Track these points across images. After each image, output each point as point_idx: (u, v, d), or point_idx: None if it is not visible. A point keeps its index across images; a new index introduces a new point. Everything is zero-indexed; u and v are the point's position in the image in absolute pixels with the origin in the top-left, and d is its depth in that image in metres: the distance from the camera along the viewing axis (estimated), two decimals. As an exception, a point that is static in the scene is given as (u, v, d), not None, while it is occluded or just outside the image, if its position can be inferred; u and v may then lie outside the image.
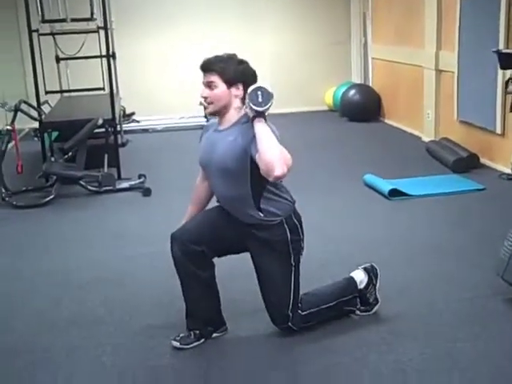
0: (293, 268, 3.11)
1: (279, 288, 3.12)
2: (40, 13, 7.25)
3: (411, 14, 8.11)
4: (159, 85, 9.86)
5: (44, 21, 7.33)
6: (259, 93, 2.77)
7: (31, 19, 6.38)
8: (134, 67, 9.57)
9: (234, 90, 2.97)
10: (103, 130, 6.40)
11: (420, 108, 7.89)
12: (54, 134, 6.91)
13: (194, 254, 3.05)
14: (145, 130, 9.29)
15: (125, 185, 6.19)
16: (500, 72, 5.93)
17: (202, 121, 8.65)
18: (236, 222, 3.09)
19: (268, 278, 3.13)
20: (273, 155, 2.71)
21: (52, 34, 7.53)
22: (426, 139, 7.59)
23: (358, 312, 3.41)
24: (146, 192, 6.01)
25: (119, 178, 6.45)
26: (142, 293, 3.86)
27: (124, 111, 9.11)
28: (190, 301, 3.19)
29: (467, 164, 6.33)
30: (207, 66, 2.97)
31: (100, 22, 7.14)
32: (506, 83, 5.90)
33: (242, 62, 3.01)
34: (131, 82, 9.26)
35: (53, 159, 6.25)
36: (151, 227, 5.05)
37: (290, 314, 3.14)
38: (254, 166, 2.84)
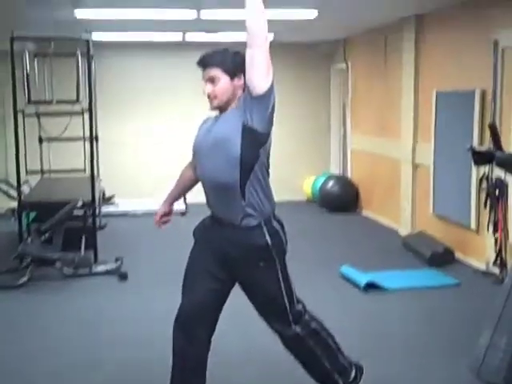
0: (279, 273, 3.04)
1: (273, 301, 3.08)
2: (26, 94, 7.36)
3: (389, 106, 8.35)
4: (139, 169, 9.98)
5: (30, 102, 7.44)
6: None
7: (17, 99, 6.47)
8: (115, 150, 9.69)
9: (236, 81, 2.97)
10: (82, 211, 6.40)
11: (397, 201, 8.02)
12: (32, 215, 6.89)
13: (197, 336, 3.04)
14: (124, 214, 9.29)
15: (101, 268, 6.14)
16: (474, 168, 6.08)
17: (182, 207, 8.70)
18: (218, 238, 3.02)
19: (259, 297, 3.10)
20: (257, 22, 2.79)
21: (37, 115, 7.62)
22: (402, 232, 7.67)
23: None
24: (123, 276, 5.96)
25: (96, 261, 6.41)
26: (114, 378, 3.77)
27: (104, 194, 9.14)
28: (178, 377, 3.11)
29: (443, 258, 6.39)
30: (207, 61, 2.97)
31: (85, 105, 7.26)
32: (480, 180, 6.05)
33: (238, 53, 3.01)
34: (112, 164, 9.36)
35: (29, 240, 6.21)
36: (125, 313, 4.99)
37: (290, 316, 3.10)
38: (245, 143, 2.85)
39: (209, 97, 2.98)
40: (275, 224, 3.04)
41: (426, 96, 7.19)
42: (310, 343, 3.18)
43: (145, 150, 10.09)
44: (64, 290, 5.71)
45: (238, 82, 2.97)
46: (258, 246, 2.98)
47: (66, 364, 4.04)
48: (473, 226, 6.30)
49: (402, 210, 7.88)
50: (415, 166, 7.55)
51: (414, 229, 7.52)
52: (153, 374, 3.66)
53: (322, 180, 9.63)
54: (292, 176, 10.23)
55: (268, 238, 2.98)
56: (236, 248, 2.99)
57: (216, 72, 2.94)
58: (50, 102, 7.55)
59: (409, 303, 5.25)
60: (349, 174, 9.89)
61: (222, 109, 3.00)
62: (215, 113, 3.09)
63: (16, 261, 6.22)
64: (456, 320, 4.84)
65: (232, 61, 2.97)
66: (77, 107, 7.67)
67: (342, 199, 9.27)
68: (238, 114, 2.91)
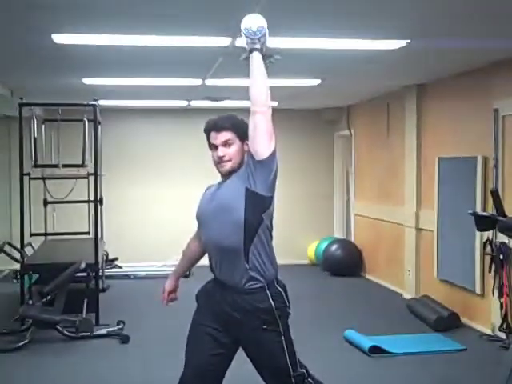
0: (283, 336, 3.00)
1: (275, 363, 3.03)
2: (33, 157, 7.45)
3: (392, 174, 8.42)
4: (142, 232, 10.00)
5: (37, 165, 7.52)
6: (252, 23, 2.85)
7: (24, 163, 6.55)
8: (119, 213, 9.74)
9: (244, 146, 3.01)
10: (85, 274, 6.38)
11: (401, 265, 7.99)
12: (35, 277, 6.87)
13: None
14: (126, 276, 9.26)
15: (102, 331, 6.08)
16: (478, 233, 6.08)
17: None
18: (221, 302, 3.00)
19: (261, 357, 3.04)
20: (261, 88, 2.88)
21: (43, 178, 7.69)
22: (406, 296, 7.62)
23: None
24: (124, 339, 5.90)
25: (97, 323, 6.36)
26: None
27: (107, 256, 9.13)
28: None
29: (448, 323, 6.32)
30: (222, 124, 3.01)
31: (90, 169, 7.33)
32: (484, 244, 6.05)
33: (243, 119, 3.07)
34: (115, 227, 9.38)
35: (30, 302, 6.16)
36: (126, 378, 4.92)
37: (293, 380, 3.04)
38: (249, 206, 2.87)
39: (221, 160, 3.01)
40: (278, 287, 3.04)
41: (429, 162, 7.26)
42: None
43: (148, 214, 10.14)
44: (65, 352, 5.65)
45: (246, 146, 3.01)
46: (262, 309, 2.96)
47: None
48: (478, 290, 6.26)
49: (405, 274, 7.84)
50: (419, 231, 7.56)
51: (418, 293, 7.47)
52: None
53: (325, 243, 9.62)
54: (295, 240, 10.24)
55: (271, 301, 2.97)
56: (239, 311, 2.97)
57: (230, 136, 3.00)
58: (56, 166, 7.63)
59: (414, 368, 5.17)
60: (352, 239, 9.88)
61: (231, 174, 3.03)
62: (217, 180, 3.14)
63: (17, 323, 6.18)
64: (462, 386, 4.76)
65: (242, 126, 3.03)
66: (82, 171, 7.75)
67: (345, 263, 9.24)
68: (241, 179, 2.95)
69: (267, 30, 2.91)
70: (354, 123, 9.84)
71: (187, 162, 10.02)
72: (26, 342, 5.71)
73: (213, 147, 3.04)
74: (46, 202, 8.12)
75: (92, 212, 7.15)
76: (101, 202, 7.83)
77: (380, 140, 8.76)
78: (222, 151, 2.99)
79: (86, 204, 7.89)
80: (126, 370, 5.13)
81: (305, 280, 9.02)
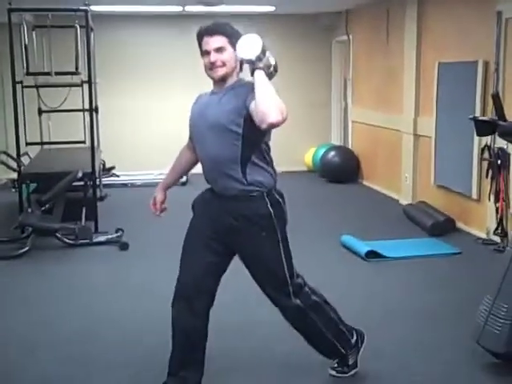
0: (280, 244, 3.04)
1: (274, 271, 3.06)
2: (25, 65, 7.31)
3: (391, 80, 8.29)
4: (139, 140, 9.95)
5: (28, 73, 7.39)
6: (247, 42, 2.79)
7: (16, 71, 6.42)
8: (115, 121, 9.65)
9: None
10: (82, 183, 6.39)
11: (398, 171, 8.00)
12: (33, 186, 6.88)
13: (196, 308, 3.04)
14: (124, 185, 9.28)
15: (102, 238, 6.15)
16: (476, 138, 6.06)
17: (182, 177, 8.68)
18: (217, 214, 3.01)
19: (260, 267, 3.07)
20: (269, 103, 2.69)
21: (36, 86, 7.56)
22: (403, 202, 7.67)
23: (333, 372, 3.38)
24: (123, 246, 5.96)
25: (96, 231, 6.42)
26: (111, 352, 3.78)
27: (104, 165, 9.12)
28: (179, 351, 3.11)
29: (444, 228, 6.39)
30: (215, 29, 2.94)
31: (84, 76, 7.21)
32: (482, 150, 6.04)
33: (234, 27, 3.01)
34: (112, 135, 9.33)
35: (30, 210, 6.20)
36: (126, 283, 5.00)
37: (290, 288, 3.09)
38: (248, 123, 2.83)
39: (214, 65, 2.93)
40: (276, 195, 3.04)
41: (429, 68, 7.13)
42: (311, 316, 3.18)
43: (144, 121, 10.05)
44: (65, 259, 5.72)
45: None
46: (260, 215, 2.97)
47: (66, 332, 4.06)
48: (474, 195, 6.29)
49: (403, 180, 7.87)
50: (417, 137, 7.52)
51: (414, 199, 7.52)
52: (152, 344, 3.66)
53: (323, 150, 9.60)
54: (293, 147, 10.21)
55: (270, 207, 2.98)
56: (237, 217, 2.97)
57: (223, 42, 2.92)
58: (48, 74, 7.50)
59: (410, 271, 5.26)
60: (350, 145, 9.85)
61: (223, 81, 2.97)
62: (206, 89, 3.08)
63: (17, 231, 6.24)
64: (457, 288, 4.85)
65: (235, 32, 2.96)
66: (76, 79, 7.62)
67: (342, 169, 9.25)
68: (240, 97, 2.88)
69: (265, 50, 2.79)
70: (353, 28, 9.60)
71: (181, 69, 9.83)
72: (26, 249, 5.77)
73: (205, 53, 2.96)
74: (40, 111, 8.03)
75: (87, 121, 7.09)
76: (96, 110, 7.75)
77: (379, 45, 8.57)
78: (214, 56, 2.92)
79: (81, 113, 7.81)
80: (125, 276, 5.22)
81: (302, 187, 9.07)
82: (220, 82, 2.98)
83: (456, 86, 6.54)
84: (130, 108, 9.95)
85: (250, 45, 2.78)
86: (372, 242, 5.84)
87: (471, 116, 5.48)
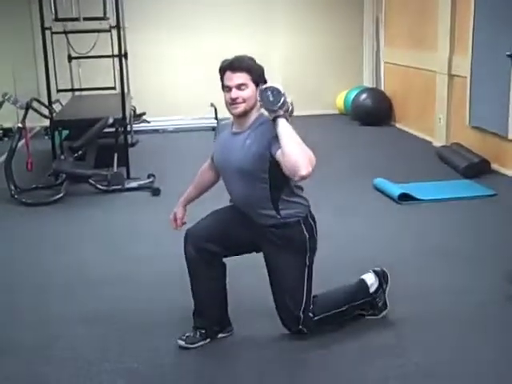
0: (306, 268, 3.09)
1: (293, 289, 3.10)
2: (53, 11, 7.27)
3: (424, 18, 8.07)
4: (170, 85, 9.86)
5: (57, 19, 7.35)
6: (269, 93, 2.78)
7: (44, 17, 6.39)
8: (146, 67, 9.57)
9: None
10: (113, 129, 6.40)
11: (431, 113, 7.85)
12: (65, 133, 6.92)
13: (208, 252, 3.07)
14: (155, 131, 9.28)
15: (134, 184, 6.18)
16: (513, 77, 5.90)
17: (213, 122, 8.65)
18: (251, 222, 3.08)
19: (282, 279, 3.10)
20: (298, 155, 2.71)
21: (65, 32, 7.54)
22: (436, 144, 7.55)
23: (365, 315, 3.39)
24: (155, 192, 6.00)
25: (128, 177, 6.45)
26: (146, 292, 3.85)
27: (134, 111, 9.11)
28: (198, 299, 3.18)
29: (478, 169, 6.29)
30: (238, 65, 2.93)
31: (113, 22, 7.15)
32: (519, 88, 5.88)
33: (258, 63, 3.01)
34: (142, 81, 9.27)
35: (63, 157, 6.25)
36: (159, 228, 5.02)
37: (302, 316, 3.12)
38: (274, 167, 2.86)
39: (234, 102, 2.92)
40: (311, 221, 3.09)
41: (464, 3, 6.90)
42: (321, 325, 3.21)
43: (175, 67, 9.94)
44: (98, 205, 5.78)
45: None
46: (295, 239, 3.04)
47: (99, 276, 4.12)
48: (510, 135, 6.15)
49: (436, 121, 7.72)
50: (451, 77, 7.35)
51: (448, 141, 7.39)
52: (178, 290, 3.68)
53: (354, 93, 9.45)
54: (325, 90, 10.05)
55: (305, 232, 3.05)
56: (274, 235, 3.04)
57: (245, 78, 2.92)
58: (77, 19, 7.46)
59: (444, 214, 5.21)
60: (382, 87, 9.67)
61: (243, 118, 2.97)
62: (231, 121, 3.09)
63: (51, 178, 6.31)
64: (493, 230, 4.80)
65: (259, 69, 2.97)
66: (104, 24, 7.57)
67: (375, 112, 9.08)
68: (263, 138, 2.89)
69: (284, 97, 2.77)
70: (385, -35, 9.33)
71: (215, 13, 9.68)
72: (61, 195, 5.83)
73: (226, 88, 2.95)
74: (70, 58, 8.03)
75: (117, 67, 7.05)
76: (125, 56, 7.71)
77: (412, -18, 8.32)
78: (235, 93, 2.91)
79: (110, 59, 7.78)
80: (158, 221, 5.21)
81: (333, 130, 8.97)
82: (240, 117, 2.98)
83: (493, 22, 6.32)
84: (160, 53, 9.82)
85: (272, 94, 2.78)
86: (405, 185, 5.78)
87: (509, 53, 5.33)
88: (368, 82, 10.28)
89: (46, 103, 6.52)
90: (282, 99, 2.77)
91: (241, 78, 2.92)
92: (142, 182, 6.21)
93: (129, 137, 7.36)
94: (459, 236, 4.70)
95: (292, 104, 2.86)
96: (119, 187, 6.08)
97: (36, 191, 6.07)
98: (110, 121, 6.19)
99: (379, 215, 5.27)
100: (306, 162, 2.69)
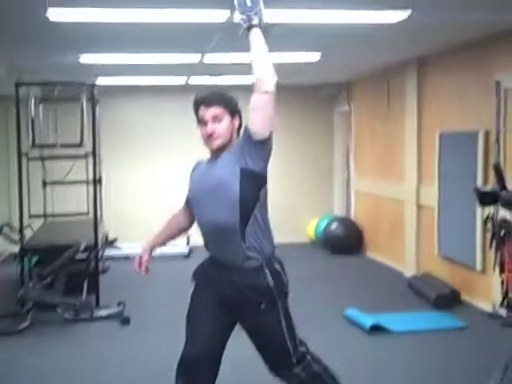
0: (282, 316, 2.99)
1: (274, 344, 3.02)
2: (31, 137, 7.39)
3: (392, 150, 8.36)
4: (142, 212, 9.95)
5: (34, 145, 7.47)
6: None
7: (21, 143, 6.49)
8: (118, 193, 9.69)
9: (234, 121, 2.98)
10: (84, 255, 6.35)
11: (401, 242, 7.96)
12: (35, 259, 6.84)
13: (200, 382, 3.01)
14: (126, 257, 9.22)
15: (103, 313, 6.07)
16: (479, 209, 6.05)
17: (185, 249, 8.66)
18: (218, 281, 2.99)
19: (260, 338, 3.04)
20: (265, 67, 2.79)
21: (41, 158, 7.63)
22: (407, 274, 7.60)
23: None
24: (125, 321, 5.89)
25: (98, 305, 6.35)
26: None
27: (106, 237, 9.08)
28: None
29: (449, 300, 6.31)
30: (212, 100, 2.95)
31: (89, 148, 7.28)
32: (485, 220, 6.00)
33: (231, 95, 3.05)
34: (114, 207, 9.34)
35: (31, 284, 6.15)
36: (127, 358, 4.91)
37: (294, 360, 3.03)
38: (244, 184, 2.85)
39: (210, 136, 2.95)
40: (276, 265, 3.01)
41: (430, 137, 7.20)
42: None
43: (148, 193, 10.09)
44: (65, 334, 5.64)
45: (236, 121, 3.00)
46: (260, 288, 2.94)
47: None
48: (478, 267, 6.24)
49: (406, 251, 7.82)
50: (419, 207, 7.52)
51: (419, 270, 7.46)
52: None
53: (325, 222, 9.59)
54: (295, 218, 10.22)
55: (270, 279, 2.95)
56: (237, 290, 2.95)
57: (220, 111, 2.94)
58: (54, 146, 7.58)
59: (415, 346, 5.17)
60: (352, 216, 9.85)
61: (220, 150, 2.98)
62: (206, 156, 3.09)
63: (17, 305, 6.17)
64: (463, 363, 4.75)
65: (231, 101, 3.00)
66: (80, 150, 7.70)
67: (345, 241, 9.21)
68: (234, 157, 2.90)
69: (262, 4, 2.83)
70: (354, 99, 9.76)
71: (186, 140, 9.88)
72: (26, 324, 5.70)
73: (202, 123, 2.98)
74: (44, 183, 8.09)
75: (91, 192, 7.11)
76: (99, 181, 7.79)
77: (380, 115, 8.69)
78: (211, 127, 2.94)
79: (84, 184, 7.85)
80: (127, 352, 5.13)
81: (305, 259, 9.01)
82: (217, 151, 3.00)
83: (457, 156, 6.58)
84: (133, 179, 10.01)
85: (250, 1, 2.81)
86: (376, 316, 5.75)
87: (474, 187, 5.51)
88: (339, 211, 10.46)
89: (18, 228, 6.49)
90: (260, 6, 2.77)
91: (216, 111, 2.93)
92: (111, 311, 6.11)
93: (99, 263, 7.30)
94: (430, 369, 4.64)
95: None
96: (88, 316, 5.96)
97: (0, 319, 5.91)
98: (82, 247, 6.17)
99: (350, 346, 5.20)
100: (272, 79, 2.79)
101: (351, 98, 9.84)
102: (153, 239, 3.33)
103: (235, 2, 2.82)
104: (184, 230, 3.31)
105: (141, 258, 3.27)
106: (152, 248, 3.30)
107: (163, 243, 3.36)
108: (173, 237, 3.36)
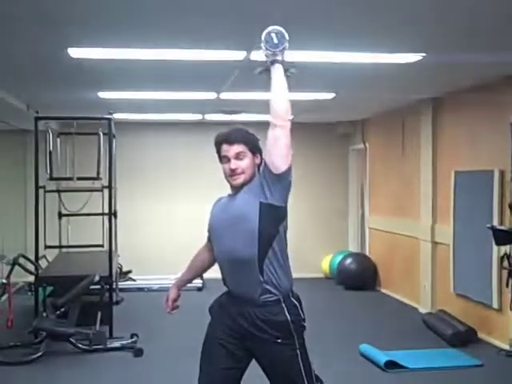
0: (298, 351, 2.97)
1: (291, 380, 2.98)
2: (48, 170, 7.48)
3: (407, 188, 8.37)
4: (156, 245, 10.00)
5: (52, 178, 7.55)
6: (273, 35, 2.83)
7: (39, 176, 6.58)
8: (133, 226, 9.75)
9: (255, 159, 3.00)
10: (98, 286, 6.38)
11: (416, 279, 7.92)
12: (49, 289, 6.87)
13: None
14: (140, 289, 9.24)
15: (116, 344, 6.07)
16: (495, 247, 6.01)
17: (199, 282, 8.65)
18: (235, 315, 2.98)
19: (276, 373, 3.00)
20: (283, 102, 2.83)
21: (58, 191, 7.71)
22: (422, 310, 7.54)
23: None
24: (138, 352, 5.87)
25: (111, 336, 6.34)
26: None
27: (121, 269, 9.13)
28: None
29: (465, 338, 6.24)
30: (234, 137, 2.99)
31: (105, 181, 7.35)
32: (502, 258, 5.97)
33: (252, 133, 3.08)
34: (129, 240, 9.38)
35: (44, 314, 6.17)
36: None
37: None
38: (263, 218, 2.86)
39: (234, 173, 2.98)
40: (294, 300, 3.01)
41: (445, 176, 7.21)
42: None
43: (162, 227, 10.13)
44: (78, 365, 5.63)
45: (257, 159, 3.02)
46: (277, 323, 2.93)
47: None
48: (495, 305, 6.18)
49: (421, 288, 7.77)
50: (434, 244, 7.49)
51: (434, 307, 7.40)
52: None
53: (340, 257, 9.57)
54: (310, 253, 10.19)
55: (287, 314, 2.94)
56: (254, 324, 2.94)
57: (243, 149, 2.98)
58: (70, 179, 7.67)
59: (430, 383, 5.10)
60: (367, 252, 9.82)
61: (241, 186, 3.01)
62: (227, 192, 3.12)
63: (31, 335, 6.18)
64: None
65: (254, 139, 3.04)
66: (97, 184, 7.77)
67: (360, 276, 9.17)
68: (253, 192, 2.93)
69: (288, 43, 2.89)
70: (369, 137, 9.81)
71: (201, 175, 10.00)
72: (39, 354, 5.70)
73: (225, 159, 3.02)
74: (60, 215, 8.15)
75: (106, 225, 7.16)
76: (115, 214, 7.83)
77: (395, 153, 8.71)
78: (234, 164, 2.97)
79: (100, 216, 7.91)
80: (139, 383, 5.11)
81: (319, 294, 8.96)
82: (239, 188, 3.02)
83: (473, 195, 6.58)
84: (148, 212, 10.08)
85: (276, 36, 2.85)
86: (391, 352, 5.70)
87: (489, 225, 5.49)
88: (353, 247, 10.44)
89: (33, 259, 6.54)
90: (286, 44, 2.81)
91: (238, 148, 2.97)
92: (124, 342, 6.10)
93: (114, 294, 7.31)
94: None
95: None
96: (101, 347, 5.95)
97: (14, 349, 5.92)
98: (97, 278, 6.19)
99: (364, 383, 5.15)
100: (287, 116, 2.82)
101: (366, 136, 9.89)
102: (179, 277, 3.37)
103: (262, 37, 2.88)
104: (210, 265, 3.32)
105: (168, 296, 3.30)
106: (179, 286, 3.33)
107: (189, 281, 3.38)
108: (199, 272, 3.39)
